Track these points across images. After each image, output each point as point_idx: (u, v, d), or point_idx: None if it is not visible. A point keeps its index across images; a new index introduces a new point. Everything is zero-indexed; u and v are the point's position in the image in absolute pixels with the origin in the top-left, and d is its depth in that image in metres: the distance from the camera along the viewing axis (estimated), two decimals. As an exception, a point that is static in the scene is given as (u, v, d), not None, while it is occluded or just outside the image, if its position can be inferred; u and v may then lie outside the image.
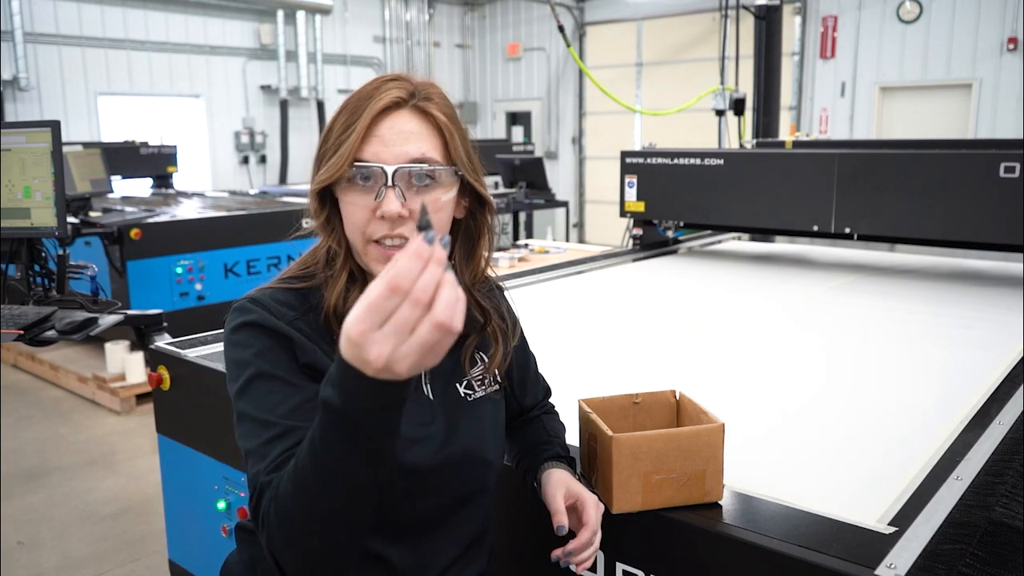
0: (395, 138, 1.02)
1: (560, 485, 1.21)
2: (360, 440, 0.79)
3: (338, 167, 1.01)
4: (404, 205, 1.01)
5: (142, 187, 8.08)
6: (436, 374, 1.13)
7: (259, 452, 0.94)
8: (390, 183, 1.00)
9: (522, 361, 1.33)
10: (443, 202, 1.05)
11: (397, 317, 0.70)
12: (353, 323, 0.71)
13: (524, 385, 1.34)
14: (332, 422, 0.78)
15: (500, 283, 1.30)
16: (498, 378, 1.21)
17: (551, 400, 1.44)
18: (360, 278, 1.08)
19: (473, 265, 1.16)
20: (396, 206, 1.00)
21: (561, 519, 1.16)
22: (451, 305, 0.71)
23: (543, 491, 1.22)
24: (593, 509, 1.18)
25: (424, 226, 0.73)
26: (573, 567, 1.17)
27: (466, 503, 1.14)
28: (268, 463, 0.92)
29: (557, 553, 1.16)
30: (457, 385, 1.15)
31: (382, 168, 1.00)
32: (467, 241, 1.15)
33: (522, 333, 1.32)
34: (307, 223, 1.13)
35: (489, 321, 1.18)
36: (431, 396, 1.12)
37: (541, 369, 1.43)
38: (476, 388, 1.17)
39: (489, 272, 1.21)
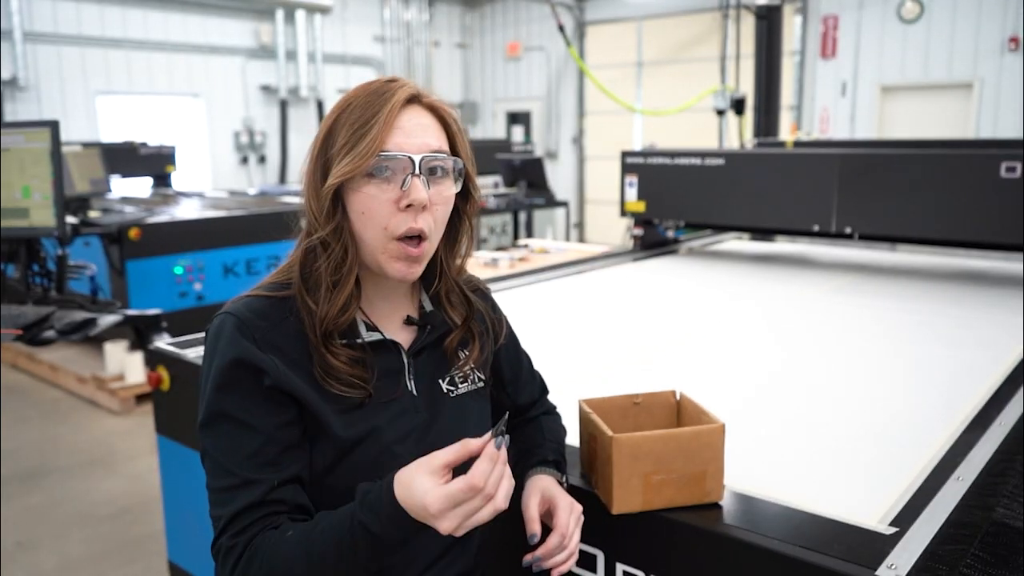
0: (415, 130, 1.05)
1: (535, 491, 1.20)
2: (380, 555, 0.95)
3: (364, 158, 1.01)
4: (428, 195, 1.03)
5: (141, 187, 8.08)
6: (420, 371, 1.14)
7: (218, 499, 1.01)
8: (417, 171, 1.02)
9: (513, 359, 1.33)
10: (449, 195, 1.09)
11: (469, 506, 0.90)
12: (434, 502, 0.89)
13: (517, 383, 1.34)
14: (364, 541, 0.93)
15: (485, 285, 1.32)
16: (481, 376, 1.22)
17: (550, 398, 1.43)
18: (356, 293, 1.07)
19: (455, 257, 1.19)
20: (424, 194, 1.02)
21: (532, 527, 1.15)
22: (509, 494, 0.92)
23: (521, 498, 1.21)
24: (564, 513, 1.16)
25: (499, 433, 0.91)
26: (555, 570, 1.15)
27: None
28: (228, 520, 0.99)
29: (528, 558, 1.15)
30: (440, 381, 1.16)
31: (409, 157, 1.02)
32: (451, 235, 1.17)
33: (512, 332, 1.33)
34: (303, 226, 1.11)
35: (471, 314, 1.20)
36: (415, 392, 1.13)
37: (542, 369, 1.42)
38: (458, 384, 1.17)
39: (475, 273, 1.23)
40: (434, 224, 1.06)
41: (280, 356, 1.04)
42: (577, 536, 1.17)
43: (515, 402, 1.34)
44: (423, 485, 0.90)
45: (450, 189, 1.08)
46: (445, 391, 1.16)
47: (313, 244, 1.07)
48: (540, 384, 1.41)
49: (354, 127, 1.02)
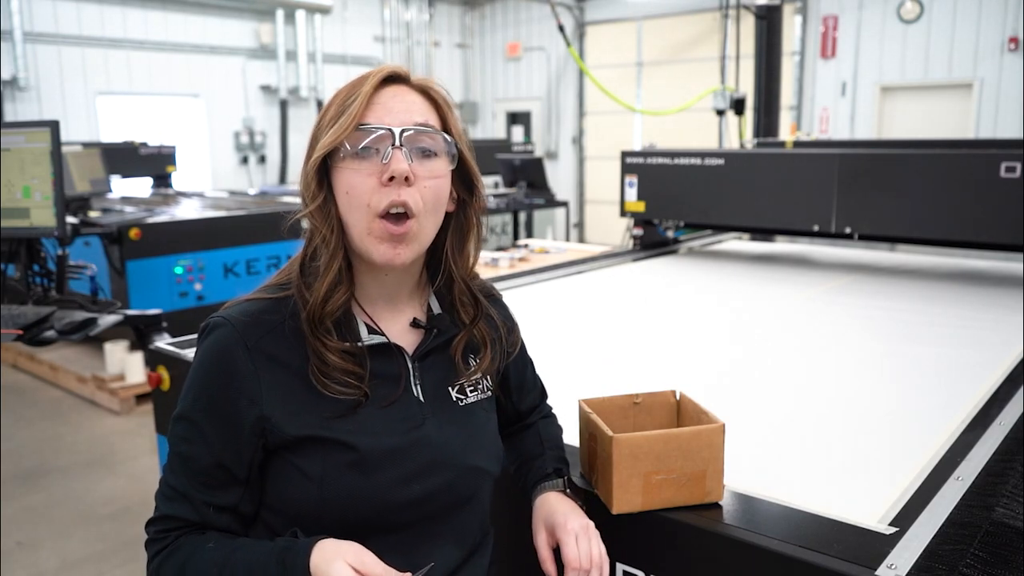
0: (398, 106, 1.03)
1: (540, 525, 1.19)
2: None
3: (343, 130, 1.00)
4: (411, 168, 1.00)
5: (142, 187, 8.08)
6: (427, 377, 1.11)
7: (163, 490, 1.05)
8: (398, 143, 1.00)
9: (520, 366, 1.31)
10: (441, 173, 1.05)
11: None
12: None
13: (521, 390, 1.32)
14: None
15: (498, 291, 1.28)
16: (489, 385, 1.19)
17: (551, 399, 1.43)
18: (347, 277, 1.05)
19: (464, 258, 1.15)
20: (405, 165, 0.99)
21: (547, 568, 1.16)
22: None
23: (532, 529, 1.21)
24: (571, 547, 1.13)
25: None
26: None
27: (457, 511, 1.11)
28: (160, 516, 1.04)
29: None
30: (450, 389, 1.12)
31: (389, 129, 1.00)
32: (458, 234, 1.14)
33: (521, 340, 1.30)
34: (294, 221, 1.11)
35: (479, 316, 1.16)
36: (421, 399, 1.09)
37: (542, 370, 1.42)
38: (468, 393, 1.14)
39: (483, 276, 1.21)
40: (423, 203, 1.02)
41: (274, 366, 1.02)
42: (595, 551, 1.13)
43: (517, 408, 1.32)
44: (342, 573, 0.92)
45: (442, 168, 1.05)
46: (455, 399, 1.12)
47: (311, 235, 1.06)
48: (541, 389, 1.40)
49: (339, 106, 1.03)
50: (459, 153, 1.07)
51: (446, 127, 1.07)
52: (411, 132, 1.01)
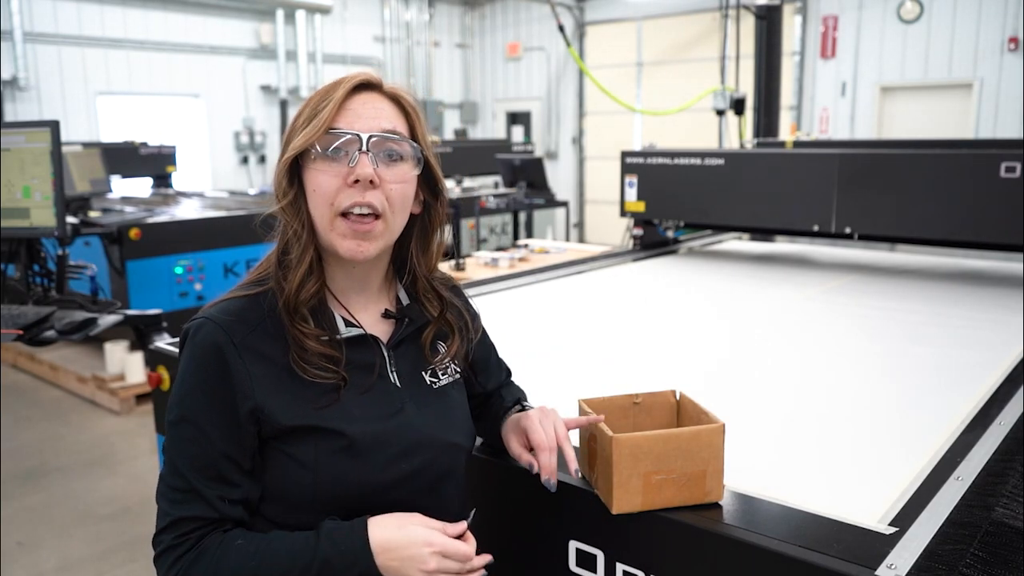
0: (368, 112, 1.09)
1: (510, 433, 1.29)
2: None
3: (313, 132, 1.05)
4: (376, 172, 1.06)
5: (142, 187, 8.08)
6: (401, 363, 1.17)
7: (168, 496, 1.05)
8: (364, 148, 1.06)
9: (484, 351, 1.39)
10: (407, 177, 1.11)
11: (452, 564, 1.04)
12: (440, 543, 1.04)
13: (487, 372, 1.40)
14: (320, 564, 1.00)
15: (457, 282, 1.36)
16: (457, 369, 1.26)
17: (550, 397, 1.46)
18: (318, 268, 1.11)
19: (427, 257, 1.22)
20: (370, 169, 1.05)
21: (525, 460, 1.24)
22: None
23: (507, 446, 1.29)
24: (537, 432, 1.22)
25: (471, 525, 1.10)
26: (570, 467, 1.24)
27: (439, 487, 1.18)
28: (175, 521, 1.03)
29: (545, 482, 1.21)
30: (423, 374, 1.20)
31: (357, 135, 1.06)
32: (423, 234, 1.21)
33: (482, 326, 1.38)
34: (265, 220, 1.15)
35: (445, 309, 1.23)
36: (398, 384, 1.16)
37: (542, 369, 1.43)
38: (440, 376, 1.22)
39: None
40: (388, 204, 1.08)
41: (260, 360, 1.06)
42: (560, 431, 1.23)
43: (484, 389, 1.39)
44: (425, 530, 1.04)
45: (408, 173, 1.11)
46: (428, 383, 1.20)
47: (283, 229, 1.11)
48: (506, 370, 1.47)
49: (310, 109, 1.08)
50: (425, 159, 1.13)
51: (414, 134, 1.13)
52: (378, 138, 1.07)
